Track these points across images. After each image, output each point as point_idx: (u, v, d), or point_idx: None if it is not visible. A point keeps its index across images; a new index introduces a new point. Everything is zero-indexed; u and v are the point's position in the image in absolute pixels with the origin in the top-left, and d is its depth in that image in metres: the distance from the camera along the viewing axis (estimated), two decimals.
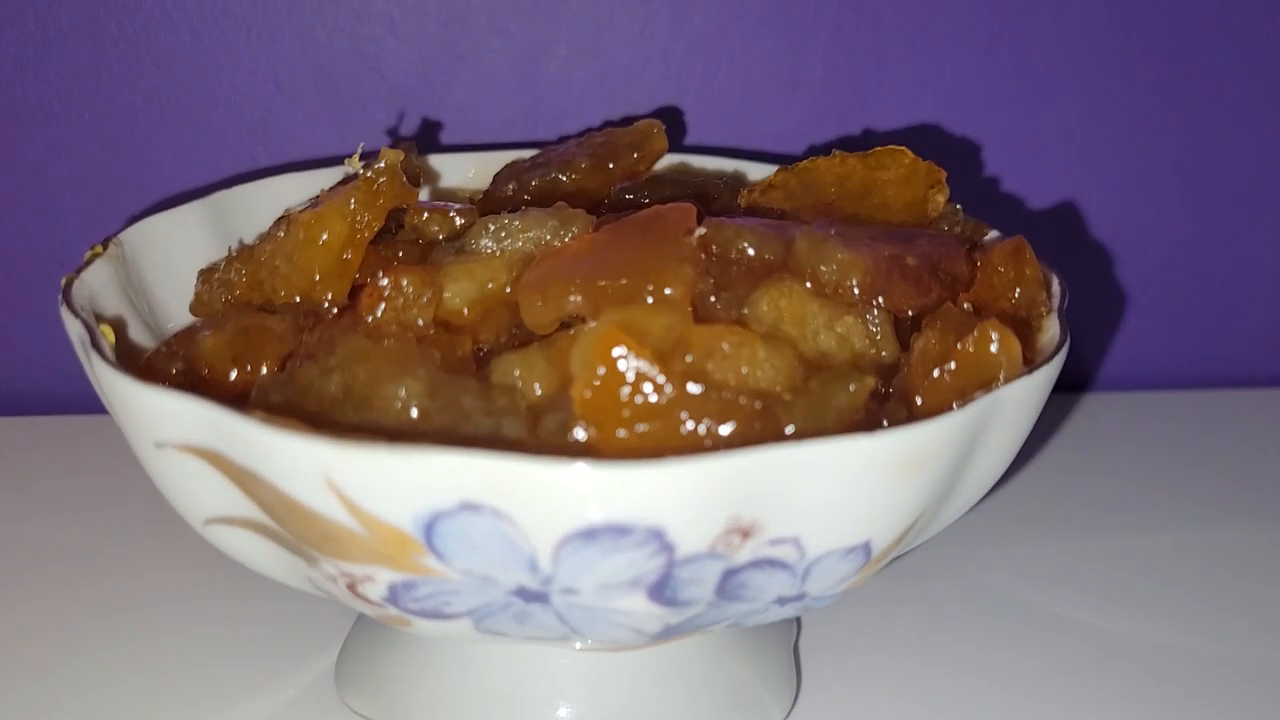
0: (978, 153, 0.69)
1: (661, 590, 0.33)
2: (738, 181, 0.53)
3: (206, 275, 0.45)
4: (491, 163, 0.59)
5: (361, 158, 0.45)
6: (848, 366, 0.37)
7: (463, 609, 0.34)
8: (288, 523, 0.33)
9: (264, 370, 0.39)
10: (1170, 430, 0.66)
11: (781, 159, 0.57)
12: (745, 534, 0.32)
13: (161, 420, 0.33)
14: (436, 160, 0.59)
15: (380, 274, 0.39)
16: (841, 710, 0.45)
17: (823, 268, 0.39)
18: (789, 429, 0.35)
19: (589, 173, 0.53)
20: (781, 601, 0.35)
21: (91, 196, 0.66)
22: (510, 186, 0.54)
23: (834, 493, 0.32)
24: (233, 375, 0.39)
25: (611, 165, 0.54)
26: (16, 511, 0.57)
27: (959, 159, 0.69)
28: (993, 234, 0.48)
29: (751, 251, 0.41)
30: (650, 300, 0.38)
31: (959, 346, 0.36)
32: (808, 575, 0.34)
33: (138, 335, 0.44)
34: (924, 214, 0.47)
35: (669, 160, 0.57)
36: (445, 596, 0.33)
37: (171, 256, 0.48)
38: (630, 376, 0.34)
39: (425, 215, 0.44)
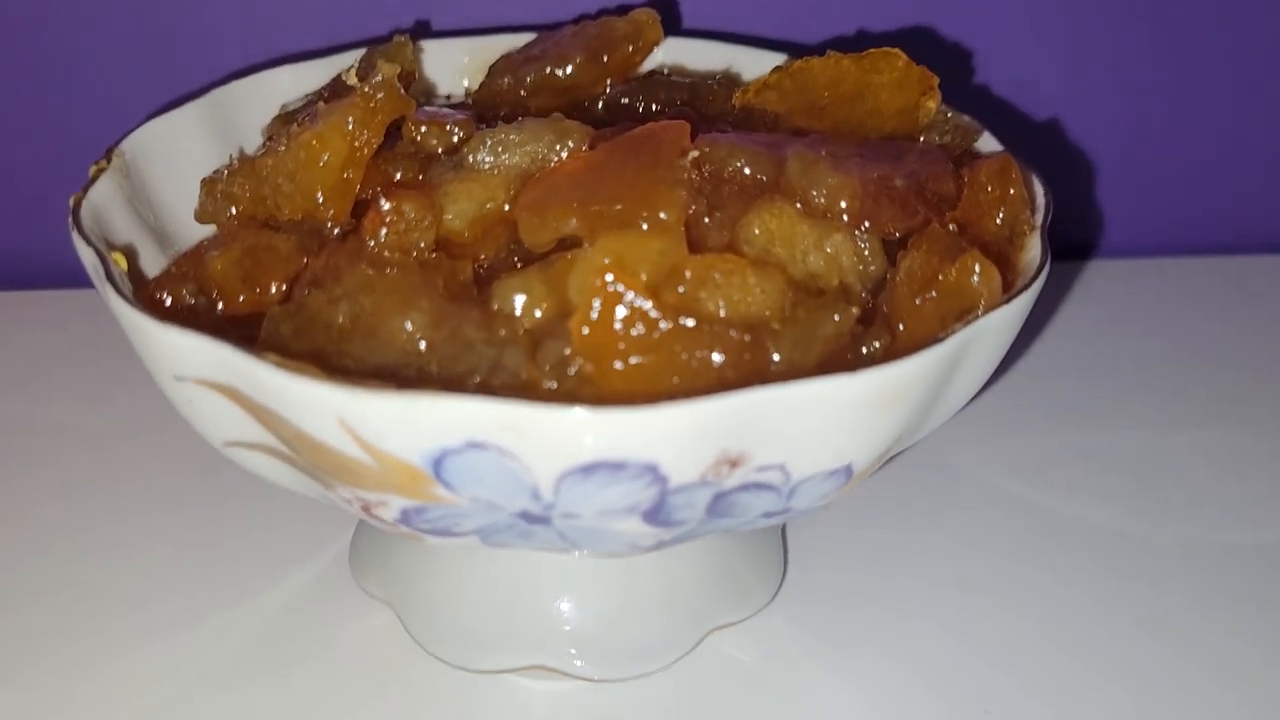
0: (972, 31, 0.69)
1: (655, 514, 0.35)
2: (731, 81, 0.53)
3: (209, 185, 0.46)
4: (485, 49, 0.59)
5: (359, 68, 0.45)
6: (835, 292, 0.38)
7: (470, 528, 0.36)
8: (304, 453, 0.35)
9: (273, 289, 0.41)
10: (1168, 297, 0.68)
11: (776, 45, 0.57)
12: (734, 463, 0.34)
13: (179, 356, 0.35)
14: (430, 47, 0.59)
15: (382, 199, 0.40)
16: (827, 590, 0.49)
17: (813, 191, 0.40)
18: (775, 357, 0.36)
19: (583, 66, 0.54)
20: (768, 515, 0.38)
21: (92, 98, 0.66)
22: (505, 80, 0.54)
23: (817, 425, 0.34)
24: (242, 298, 0.41)
25: (606, 58, 0.54)
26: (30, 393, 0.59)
27: (950, 54, 0.68)
28: (984, 137, 0.48)
29: (746, 171, 0.42)
30: (645, 226, 0.39)
31: (941, 277, 0.38)
32: (792, 494, 0.37)
33: (146, 249, 0.45)
34: (915, 121, 0.47)
35: (663, 49, 0.57)
36: (454, 519, 0.36)
37: (174, 161, 0.49)
38: (625, 312, 0.36)
39: (424, 128, 0.45)
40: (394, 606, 0.47)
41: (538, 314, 0.39)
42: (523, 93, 0.53)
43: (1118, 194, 0.74)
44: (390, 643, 0.46)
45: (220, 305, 0.41)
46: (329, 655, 0.45)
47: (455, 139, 0.45)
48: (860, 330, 0.38)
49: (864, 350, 0.38)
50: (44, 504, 0.52)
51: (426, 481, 0.34)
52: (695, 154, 0.41)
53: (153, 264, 0.45)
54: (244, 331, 0.41)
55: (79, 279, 0.41)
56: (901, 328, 0.38)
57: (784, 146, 0.42)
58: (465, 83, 0.59)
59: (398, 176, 0.44)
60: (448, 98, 0.58)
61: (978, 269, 0.37)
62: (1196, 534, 0.51)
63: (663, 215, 0.39)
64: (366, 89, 0.43)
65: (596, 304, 0.36)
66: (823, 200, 0.40)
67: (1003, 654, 0.46)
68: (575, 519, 0.35)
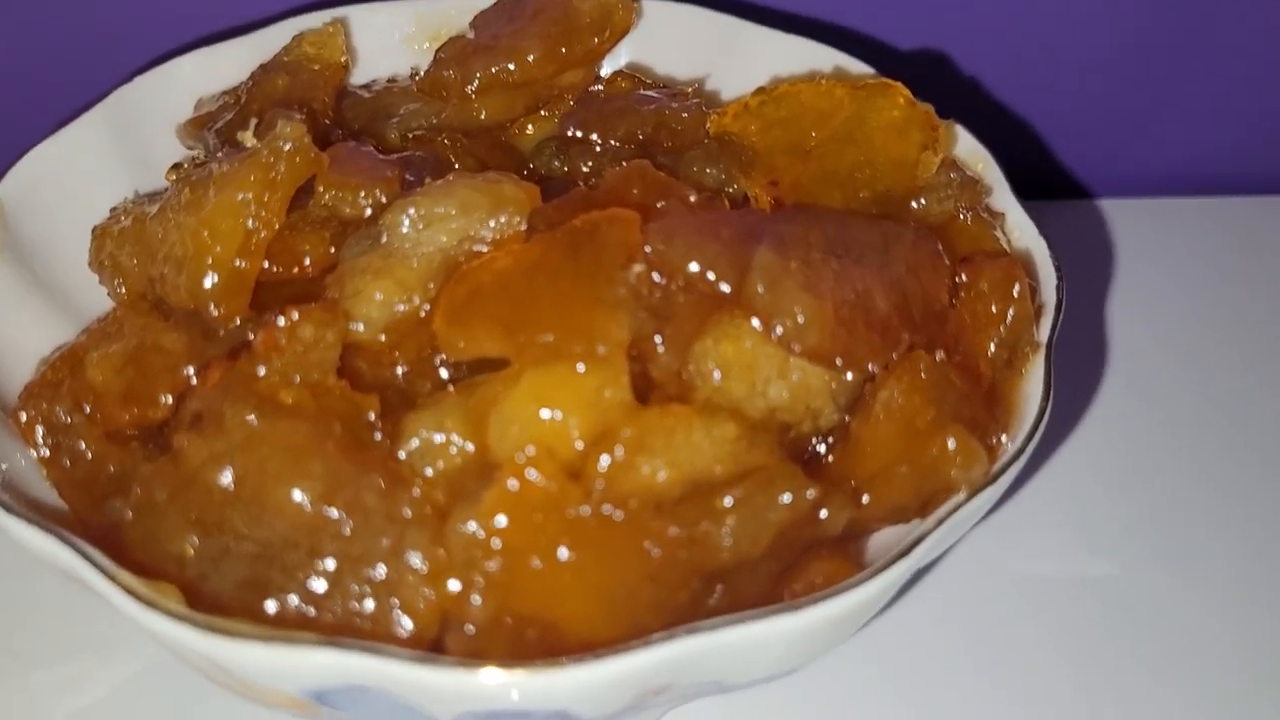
0: None
1: None
2: (706, 102, 0.45)
3: (100, 237, 0.40)
4: (432, 14, 0.51)
5: (256, 129, 0.38)
6: (786, 468, 0.33)
7: None
8: (183, 660, 0.31)
9: (160, 403, 0.36)
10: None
11: (768, 17, 0.49)
12: (657, 693, 0.30)
13: (27, 545, 0.31)
14: (373, 11, 0.51)
15: (277, 317, 0.34)
16: None
17: (776, 321, 0.34)
18: (726, 542, 0.32)
19: (540, 62, 0.46)
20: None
21: None
22: (451, 73, 0.47)
23: (756, 656, 0.30)
24: (125, 416, 0.36)
25: (565, 50, 0.47)
26: None
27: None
28: (996, 194, 0.42)
29: (703, 276, 0.35)
30: (580, 364, 0.33)
31: (921, 449, 0.32)
32: (729, 689, 0.33)
33: (34, 309, 0.40)
34: (913, 176, 0.41)
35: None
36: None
37: (69, 193, 0.43)
38: (545, 504, 0.31)
39: (337, 193, 0.39)
40: None
41: (454, 450, 0.34)
42: (470, 91, 0.46)
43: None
44: None
45: (102, 420, 0.36)
46: None
47: (370, 208, 0.39)
48: (819, 495, 0.33)
49: (822, 517, 0.33)
50: None
51: (311, 707, 0.30)
52: (639, 268, 0.35)
53: (53, 330, 0.40)
54: (126, 451, 0.36)
55: None
56: (868, 498, 0.33)
57: (751, 240, 0.36)
58: (411, 55, 0.52)
59: (306, 260, 0.38)
60: (391, 79, 0.51)
61: (959, 457, 0.31)
62: None
63: (600, 349, 0.33)
64: (266, 155, 0.37)
65: (511, 485, 0.31)
66: (790, 330, 0.34)
67: None
68: None
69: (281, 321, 0.34)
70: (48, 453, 0.36)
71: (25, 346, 0.39)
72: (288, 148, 0.37)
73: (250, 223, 0.36)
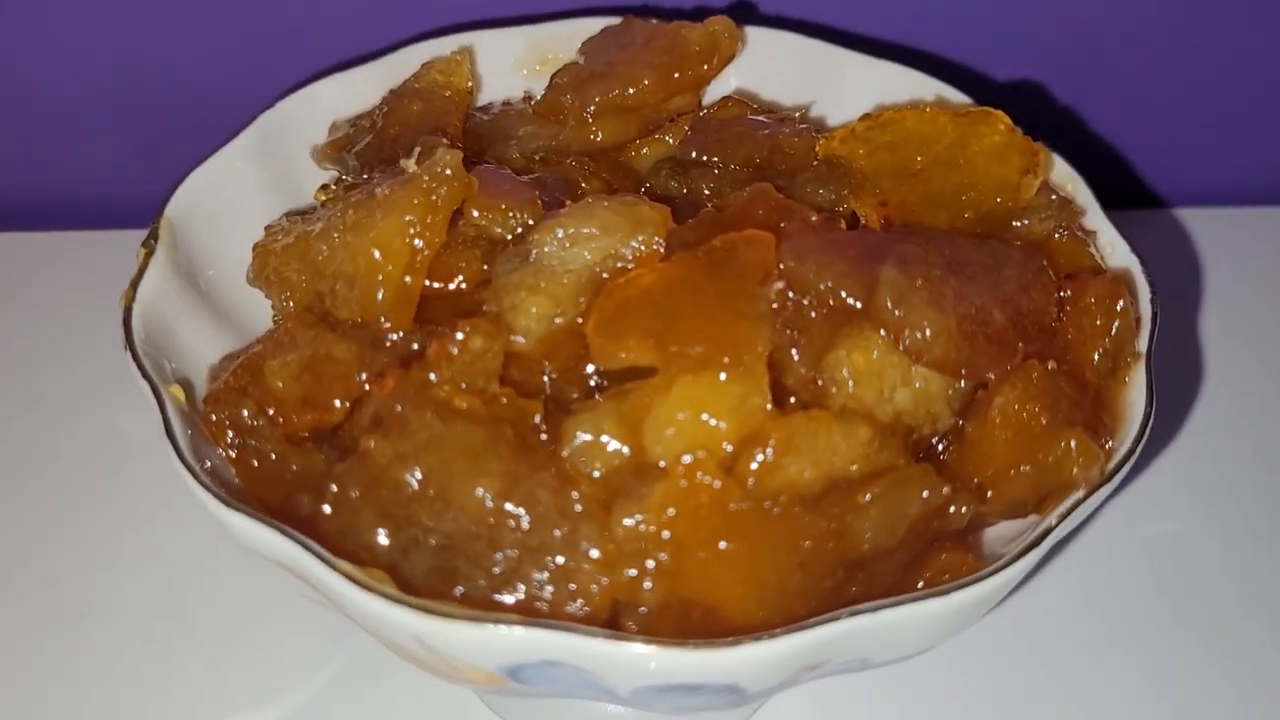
0: None
1: (732, 705, 0.35)
2: (814, 127, 0.49)
3: (262, 253, 0.43)
4: (543, 37, 0.55)
5: (418, 156, 0.41)
6: (922, 467, 0.36)
7: (546, 697, 0.36)
8: (375, 637, 0.35)
9: (336, 407, 0.39)
10: None
11: (860, 43, 0.52)
12: (813, 668, 0.33)
13: (246, 538, 0.34)
14: (484, 39, 0.54)
15: (450, 334, 0.38)
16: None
17: (906, 332, 0.37)
18: (867, 535, 0.35)
19: (652, 87, 0.50)
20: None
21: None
22: (569, 97, 0.50)
23: (901, 637, 0.33)
24: (304, 418, 0.39)
25: (677, 75, 0.50)
26: None
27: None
28: (1089, 214, 0.45)
29: (834, 293, 0.39)
30: (724, 374, 0.37)
31: (1041, 450, 0.36)
32: (871, 667, 0.36)
33: (201, 323, 0.44)
34: (1015, 197, 0.44)
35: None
36: (530, 694, 0.35)
37: (223, 211, 0.46)
38: (707, 500, 0.34)
39: (488, 215, 0.42)
40: None
41: (611, 450, 0.37)
42: (588, 115, 0.50)
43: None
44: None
45: (282, 425, 0.39)
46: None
47: (519, 227, 0.42)
48: (948, 493, 0.36)
49: (951, 511, 0.37)
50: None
51: (502, 681, 0.33)
52: (779, 285, 0.38)
53: (210, 341, 0.43)
54: (305, 450, 0.40)
55: None
56: (990, 495, 0.37)
57: (875, 260, 0.39)
58: (524, 77, 0.55)
59: (460, 277, 0.41)
60: (506, 102, 0.54)
61: (1080, 458, 0.35)
62: None
63: (744, 358, 0.37)
64: (427, 180, 0.40)
65: (680, 484, 0.34)
66: (918, 342, 0.37)
67: None
68: (652, 706, 0.34)
69: (459, 335, 0.38)
70: (234, 453, 0.39)
71: (197, 356, 0.43)
72: (448, 174, 0.40)
73: (416, 242, 0.40)
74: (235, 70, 0.62)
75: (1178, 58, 0.64)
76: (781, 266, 0.39)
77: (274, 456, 0.39)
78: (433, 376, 0.38)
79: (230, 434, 0.39)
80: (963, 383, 0.39)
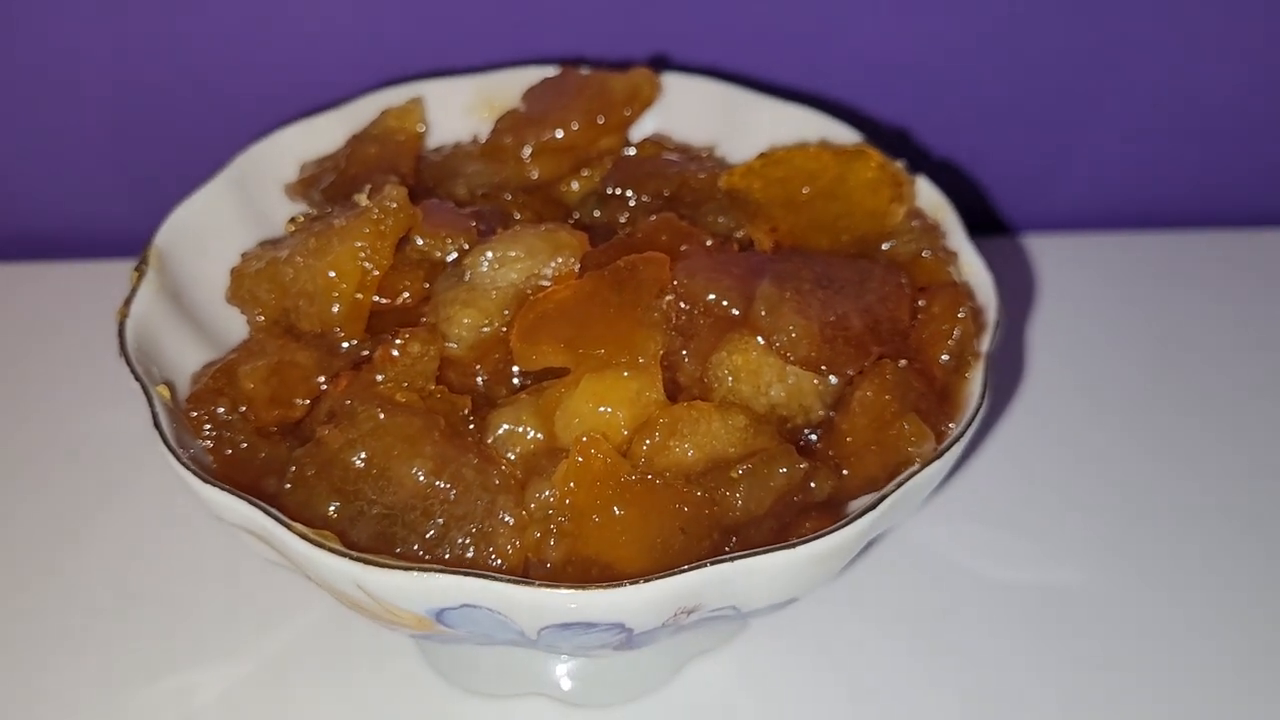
0: None
1: (624, 645, 0.41)
2: (717, 164, 0.56)
3: (238, 277, 0.50)
4: (489, 86, 0.62)
5: (368, 192, 0.48)
6: (783, 448, 0.43)
7: (468, 643, 0.43)
8: (326, 590, 0.41)
9: (297, 404, 0.46)
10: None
11: (768, 89, 0.60)
12: (690, 611, 0.40)
13: (219, 508, 0.41)
14: (435, 88, 0.61)
15: (393, 340, 0.45)
16: (791, 613, 0.55)
17: (776, 336, 0.45)
18: (738, 501, 0.42)
19: (582, 131, 0.57)
20: (722, 622, 0.44)
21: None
22: (508, 139, 0.57)
23: (764, 583, 0.40)
24: (271, 413, 0.46)
25: (603, 119, 0.58)
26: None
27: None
28: (950, 236, 0.52)
29: (719, 304, 0.46)
30: (625, 371, 0.44)
31: (885, 432, 0.43)
32: (744, 618, 0.43)
33: (183, 338, 0.50)
34: (883, 224, 0.51)
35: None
36: (455, 640, 0.42)
37: (203, 239, 0.53)
38: (602, 471, 0.41)
39: (430, 241, 0.49)
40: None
41: (528, 438, 0.44)
42: (524, 156, 0.57)
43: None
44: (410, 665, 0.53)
45: (253, 419, 0.46)
46: (354, 669, 0.52)
47: (456, 252, 0.49)
48: (810, 469, 0.43)
49: (811, 486, 0.44)
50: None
51: (429, 623, 0.40)
52: (670, 298, 0.45)
53: (191, 352, 0.50)
54: (272, 441, 0.47)
55: None
56: (847, 472, 0.44)
57: (755, 277, 0.46)
58: (474, 121, 0.62)
59: (405, 294, 0.48)
60: (456, 144, 0.61)
61: (913, 436, 0.42)
62: None
63: (640, 360, 0.44)
64: (376, 212, 0.47)
65: (578, 460, 0.41)
66: (785, 343, 0.44)
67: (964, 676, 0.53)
68: (556, 646, 0.41)
69: (395, 347, 0.45)
70: (212, 443, 0.46)
71: (180, 364, 0.50)
72: (393, 206, 0.48)
73: (367, 264, 0.47)
74: (209, 115, 0.70)
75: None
76: (675, 284, 0.46)
77: (245, 445, 0.46)
78: (379, 377, 0.45)
79: (208, 427, 0.46)
80: (833, 379, 0.46)
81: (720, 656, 0.54)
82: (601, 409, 0.43)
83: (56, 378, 0.65)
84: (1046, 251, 0.73)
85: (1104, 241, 0.74)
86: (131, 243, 0.52)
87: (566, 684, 0.51)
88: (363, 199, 0.48)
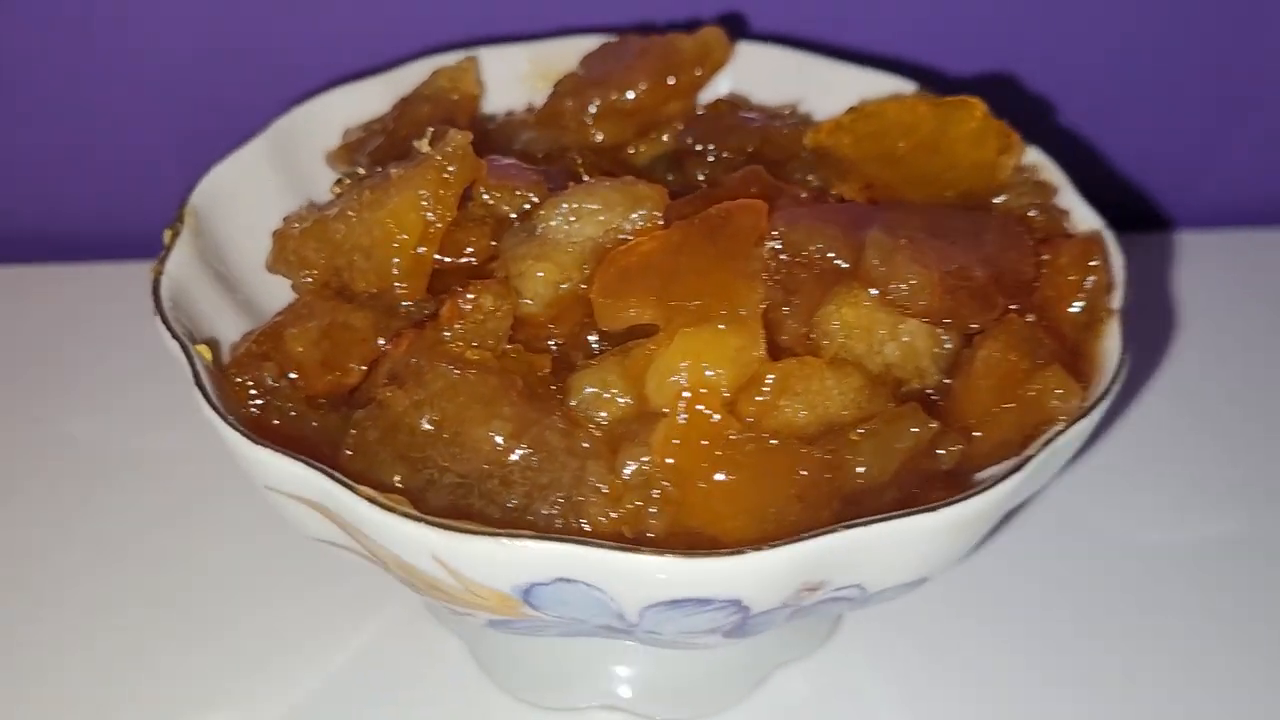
0: None
1: (736, 631, 0.36)
2: (802, 120, 0.52)
3: (281, 239, 0.46)
4: (546, 54, 0.57)
5: (429, 137, 0.44)
6: (912, 404, 0.38)
7: (553, 632, 0.37)
8: (394, 569, 0.36)
9: (352, 370, 0.41)
10: None
11: (848, 56, 0.55)
12: (814, 589, 0.35)
13: (271, 473, 0.36)
14: (490, 55, 0.57)
15: (464, 293, 0.40)
16: (882, 624, 0.50)
17: (892, 285, 0.40)
18: (859, 469, 0.37)
19: (649, 92, 0.53)
20: (845, 610, 0.39)
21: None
22: (569, 103, 0.53)
23: (894, 555, 0.35)
24: (323, 379, 0.41)
25: (672, 81, 0.53)
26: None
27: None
28: (1061, 193, 0.47)
29: (823, 255, 0.41)
30: (722, 324, 0.39)
31: (1021, 390, 0.38)
32: (868, 600, 0.38)
33: (222, 305, 0.46)
34: (992, 177, 0.47)
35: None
36: (539, 627, 0.37)
37: (242, 204, 0.49)
38: (708, 432, 0.36)
39: (496, 195, 0.44)
40: (469, 644, 0.49)
41: (618, 403, 0.39)
42: (587, 120, 0.52)
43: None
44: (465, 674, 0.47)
45: (303, 387, 0.41)
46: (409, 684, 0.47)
47: (526, 205, 0.45)
48: (936, 433, 0.38)
49: (939, 453, 0.39)
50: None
51: (515, 604, 0.35)
52: (773, 245, 0.40)
53: (229, 322, 0.46)
54: (324, 411, 0.42)
55: None
56: (978, 434, 0.39)
57: (862, 226, 0.42)
58: (527, 91, 0.58)
59: (469, 251, 0.43)
60: (509, 113, 0.57)
61: (1058, 390, 0.37)
62: None
63: (741, 312, 0.39)
64: (439, 159, 0.43)
65: (681, 419, 0.36)
66: (903, 294, 0.40)
67: (1060, 676, 0.47)
68: (657, 634, 0.36)
69: (466, 302, 0.40)
70: (258, 412, 0.41)
71: (215, 332, 0.45)
72: (459, 153, 0.43)
73: (429, 215, 0.42)
74: (243, 89, 0.66)
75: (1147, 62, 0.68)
76: (775, 231, 0.41)
77: (294, 414, 0.41)
78: (446, 334, 0.40)
79: (254, 393, 0.41)
80: (948, 342, 0.42)
81: (807, 665, 0.48)
82: (700, 366, 0.38)
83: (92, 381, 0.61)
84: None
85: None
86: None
87: (626, 691, 0.46)
88: (424, 145, 0.44)
